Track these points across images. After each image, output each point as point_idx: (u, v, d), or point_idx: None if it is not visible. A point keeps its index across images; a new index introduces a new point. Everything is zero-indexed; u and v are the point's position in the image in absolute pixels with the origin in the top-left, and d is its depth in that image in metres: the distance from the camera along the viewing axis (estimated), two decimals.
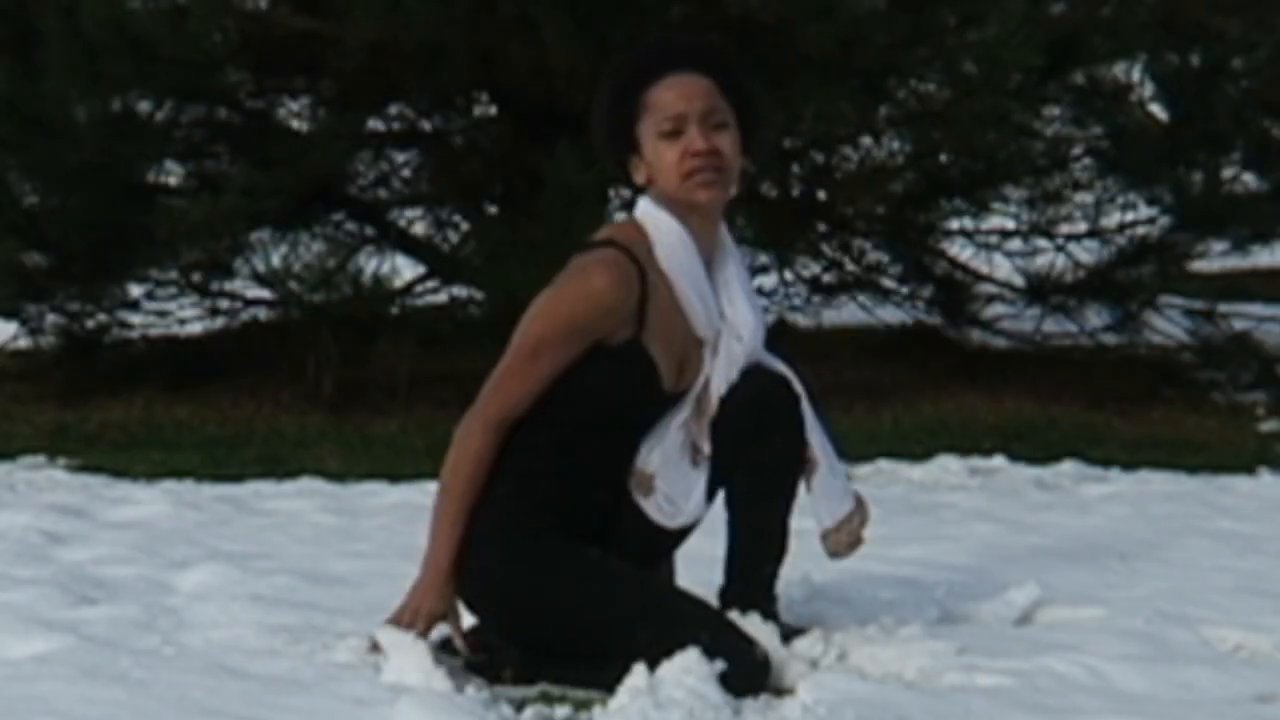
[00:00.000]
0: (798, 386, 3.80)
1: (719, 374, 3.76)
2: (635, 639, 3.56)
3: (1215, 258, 9.14)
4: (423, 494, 6.03)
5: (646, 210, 3.75)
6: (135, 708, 3.45)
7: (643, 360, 3.70)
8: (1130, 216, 9.03)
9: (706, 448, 3.75)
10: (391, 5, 7.32)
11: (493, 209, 8.54)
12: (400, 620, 3.70)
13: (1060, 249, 9.04)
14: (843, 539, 3.87)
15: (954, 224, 9.12)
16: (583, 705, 3.51)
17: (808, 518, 5.47)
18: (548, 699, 3.58)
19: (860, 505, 3.92)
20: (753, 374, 3.77)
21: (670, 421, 3.74)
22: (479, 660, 3.71)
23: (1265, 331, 8.95)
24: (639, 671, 3.50)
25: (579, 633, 3.66)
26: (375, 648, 3.72)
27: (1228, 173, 9.19)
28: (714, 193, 3.70)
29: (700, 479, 3.75)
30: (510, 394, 3.69)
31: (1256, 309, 9.28)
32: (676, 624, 3.59)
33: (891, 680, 3.69)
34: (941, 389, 8.02)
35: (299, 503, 5.90)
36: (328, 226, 8.51)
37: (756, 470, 3.75)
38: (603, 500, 3.75)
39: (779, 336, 9.12)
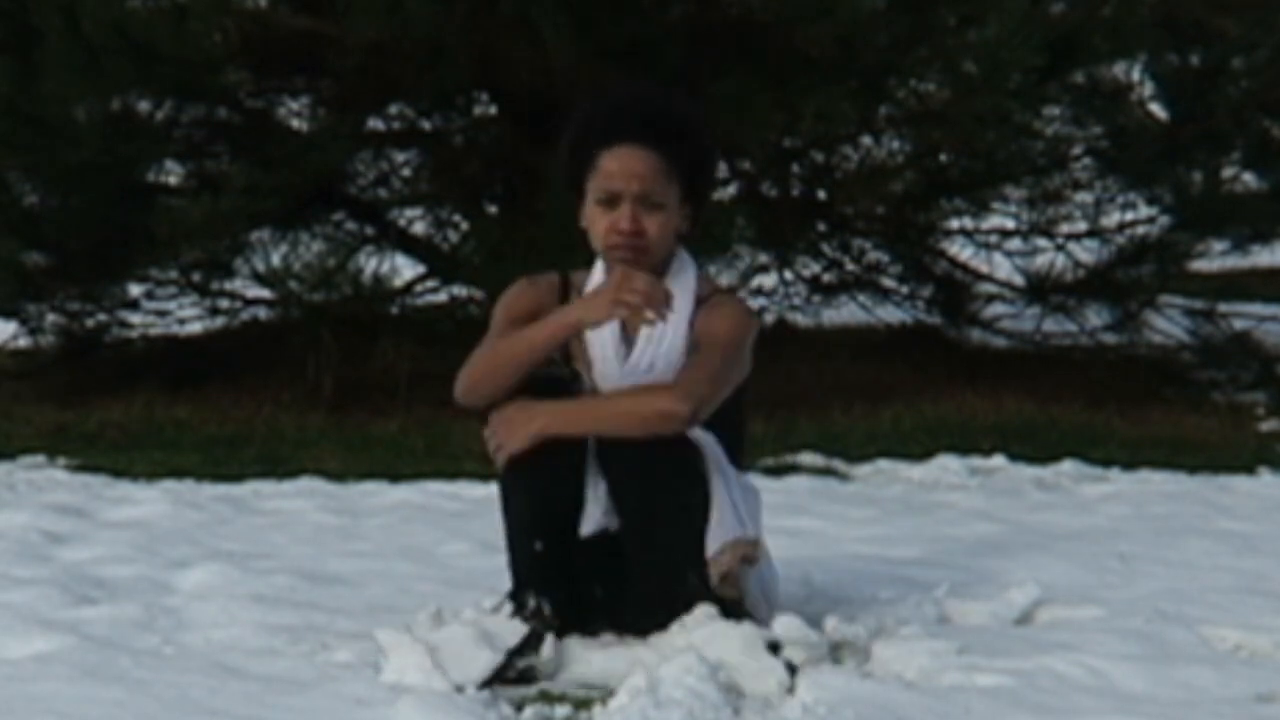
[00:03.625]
0: (697, 442, 3.81)
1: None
2: None
3: (1215, 258, 9.15)
4: (423, 494, 6.03)
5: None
6: (135, 708, 3.46)
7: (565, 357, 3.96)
8: (1130, 216, 9.03)
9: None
10: (391, 5, 7.32)
11: (493, 209, 8.55)
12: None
13: (1060, 249, 9.04)
14: (721, 564, 3.81)
15: (954, 224, 9.13)
16: (583, 704, 3.51)
17: (803, 516, 5.50)
18: (548, 698, 3.58)
19: (740, 540, 3.86)
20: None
21: None
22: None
23: (1265, 331, 8.95)
24: (639, 672, 3.51)
25: None
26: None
27: (1228, 173, 9.20)
28: (629, 268, 3.89)
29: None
30: None
31: (1256, 309, 9.28)
32: None
33: (891, 680, 3.69)
34: (941, 389, 8.02)
35: (299, 503, 5.89)
36: (328, 226, 8.51)
37: (649, 526, 3.78)
38: None
39: (779, 336, 9.18)
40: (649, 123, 3.92)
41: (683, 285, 3.95)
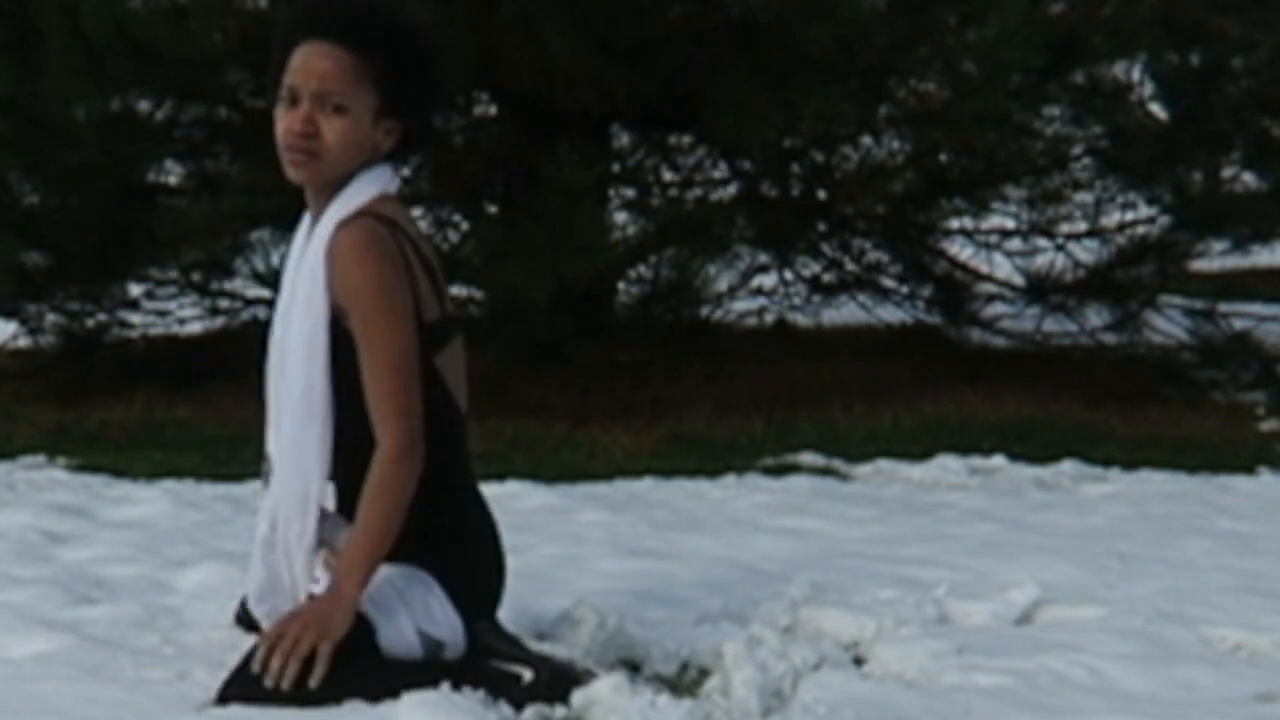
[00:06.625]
0: None
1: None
2: None
3: (1215, 257, 9.15)
4: None
5: None
6: (135, 707, 3.45)
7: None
8: (1130, 216, 9.04)
9: None
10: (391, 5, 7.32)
11: (493, 209, 8.55)
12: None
13: (1060, 249, 9.04)
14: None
15: (954, 224, 9.13)
16: (583, 705, 3.51)
17: (803, 516, 5.50)
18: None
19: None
20: None
21: None
22: None
23: (1265, 331, 8.96)
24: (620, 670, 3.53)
25: None
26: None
27: (1228, 173, 9.20)
28: (300, 173, 3.64)
29: None
30: None
31: (1256, 309, 9.28)
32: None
33: (891, 680, 3.69)
34: (941, 389, 8.02)
35: None
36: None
37: None
38: None
39: (779, 336, 9.18)
40: (346, 19, 3.60)
41: (332, 216, 3.60)
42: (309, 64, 3.59)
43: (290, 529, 3.62)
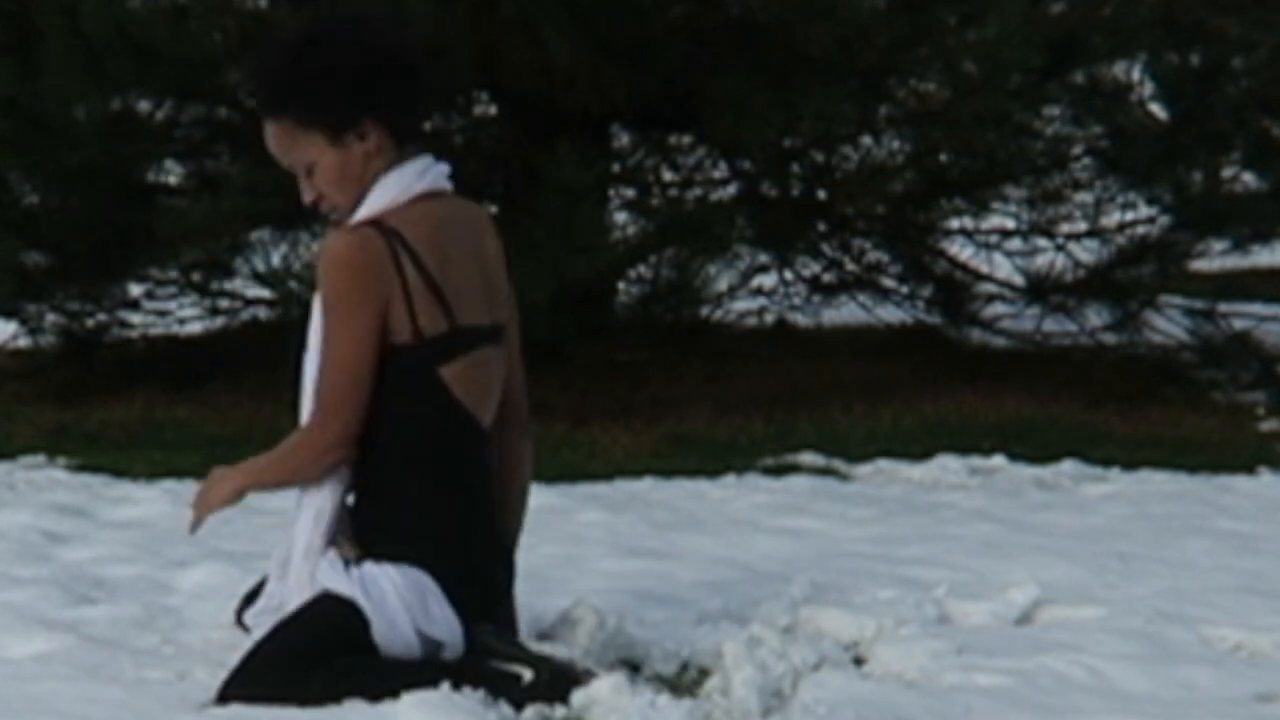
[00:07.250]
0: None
1: None
2: None
3: (1215, 257, 9.15)
4: None
5: None
6: (135, 707, 3.46)
7: None
8: (1130, 216, 9.03)
9: None
10: (392, 5, 7.32)
11: (493, 209, 8.55)
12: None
13: (1060, 249, 9.04)
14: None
15: (954, 224, 9.12)
16: (583, 705, 3.51)
17: (803, 516, 5.50)
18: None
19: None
20: None
21: None
22: None
23: (1265, 331, 8.95)
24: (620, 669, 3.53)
25: None
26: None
27: (1228, 173, 9.20)
28: (336, 217, 3.70)
29: None
30: None
31: (1256, 309, 9.28)
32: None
33: (891, 680, 3.69)
34: (941, 389, 8.02)
35: None
36: (328, 226, 8.50)
37: None
38: None
39: (779, 336, 9.17)
40: (260, 88, 3.64)
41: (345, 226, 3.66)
42: (269, 144, 3.65)
43: (299, 528, 3.65)
